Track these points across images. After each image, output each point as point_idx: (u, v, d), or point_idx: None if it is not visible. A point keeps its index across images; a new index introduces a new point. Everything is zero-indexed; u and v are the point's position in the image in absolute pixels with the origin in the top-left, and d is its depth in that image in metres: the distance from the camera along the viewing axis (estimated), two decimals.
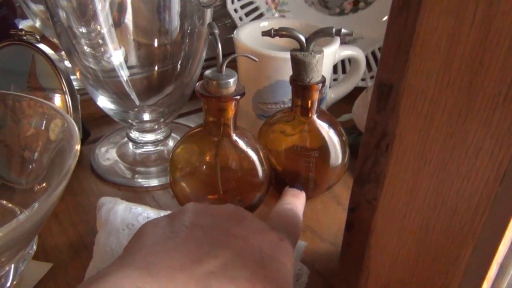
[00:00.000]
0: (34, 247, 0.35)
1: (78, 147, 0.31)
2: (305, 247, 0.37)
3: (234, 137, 0.37)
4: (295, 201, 0.36)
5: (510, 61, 0.16)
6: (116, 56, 0.42)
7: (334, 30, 0.35)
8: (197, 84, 0.35)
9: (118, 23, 0.42)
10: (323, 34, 0.36)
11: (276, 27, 0.38)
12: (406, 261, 0.23)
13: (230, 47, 0.48)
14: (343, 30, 0.35)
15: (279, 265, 0.25)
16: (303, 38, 0.36)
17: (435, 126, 0.19)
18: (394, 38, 0.20)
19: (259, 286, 0.23)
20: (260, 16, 0.58)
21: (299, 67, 0.37)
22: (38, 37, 0.43)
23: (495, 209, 0.18)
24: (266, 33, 0.37)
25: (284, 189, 0.38)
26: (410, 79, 0.19)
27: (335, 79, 0.57)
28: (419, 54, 0.18)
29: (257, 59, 0.35)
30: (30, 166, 0.36)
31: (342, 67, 0.58)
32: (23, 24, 0.70)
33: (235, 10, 0.57)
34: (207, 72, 0.34)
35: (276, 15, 0.58)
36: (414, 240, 0.22)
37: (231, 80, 0.34)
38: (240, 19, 0.57)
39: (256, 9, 0.58)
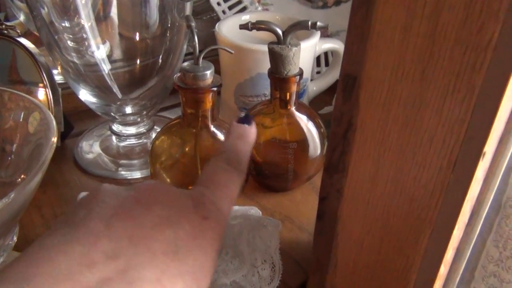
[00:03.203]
0: (15, 238, 0.35)
1: (55, 139, 0.31)
2: (280, 227, 0.36)
3: (212, 128, 0.37)
4: (237, 146, 0.28)
5: (457, 53, 0.16)
6: (100, 50, 0.43)
7: (310, 23, 0.36)
8: (174, 76, 0.36)
9: (99, 17, 0.42)
10: (299, 27, 0.36)
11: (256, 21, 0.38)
12: (371, 247, 0.24)
13: (215, 40, 0.48)
14: (318, 23, 0.36)
15: (198, 253, 0.21)
16: (280, 31, 0.37)
17: (392, 116, 0.20)
18: (356, 31, 0.20)
19: (169, 284, 0.19)
20: (244, 9, 0.58)
21: (277, 60, 0.37)
22: (18, 31, 0.43)
23: (448, 195, 0.19)
24: (244, 26, 0.38)
25: (231, 125, 0.30)
26: (369, 70, 0.20)
27: (318, 72, 0.58)
28: (375, 46, 0.19)
29: (233, 51, 0.36)
30: (9, 159, 0.36)
31: (325, 60, 0.58)
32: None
33: (218, 4, 0.57)
34: (184, 64, 0.35)
35: (259, 8, 0.59)
36: (377, 226, 0.23)
37: (208, 72, 0.34)
38: (223, 12, 0.57)
39: (239, 2, 0.58)
